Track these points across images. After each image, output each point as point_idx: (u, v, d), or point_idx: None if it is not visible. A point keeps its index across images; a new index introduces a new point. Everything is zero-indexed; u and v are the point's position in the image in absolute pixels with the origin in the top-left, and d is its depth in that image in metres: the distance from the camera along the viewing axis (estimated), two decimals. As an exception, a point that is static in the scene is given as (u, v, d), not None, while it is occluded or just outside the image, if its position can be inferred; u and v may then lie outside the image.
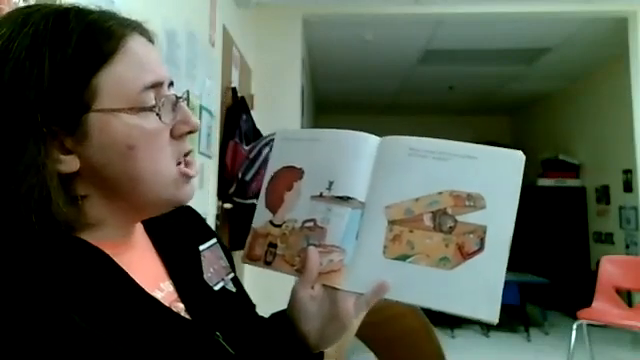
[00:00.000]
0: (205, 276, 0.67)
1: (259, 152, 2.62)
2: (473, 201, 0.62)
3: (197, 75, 2.26)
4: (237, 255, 0.75)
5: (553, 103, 6.66)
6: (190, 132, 0.60)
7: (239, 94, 2.99)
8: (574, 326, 3.37)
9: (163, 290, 0.60)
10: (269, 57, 3.72)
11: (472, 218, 0.62)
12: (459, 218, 0.62)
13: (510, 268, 0.61)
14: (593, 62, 5.21)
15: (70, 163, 0.53)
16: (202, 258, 0.68)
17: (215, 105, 2.60)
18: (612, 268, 3.62)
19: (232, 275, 0.72)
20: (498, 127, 7.80)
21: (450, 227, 0.62)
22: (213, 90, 2.57)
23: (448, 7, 3.76)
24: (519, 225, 0.62)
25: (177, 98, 0.59)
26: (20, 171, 0.51)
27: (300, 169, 0.69)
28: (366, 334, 1.37)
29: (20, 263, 0.49)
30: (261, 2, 3.63)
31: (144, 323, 0.53)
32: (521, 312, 4.72)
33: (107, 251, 0.55)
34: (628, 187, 4.98)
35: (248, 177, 2.59)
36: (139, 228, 0.64)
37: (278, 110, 3.61)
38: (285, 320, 0.67)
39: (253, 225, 0.71)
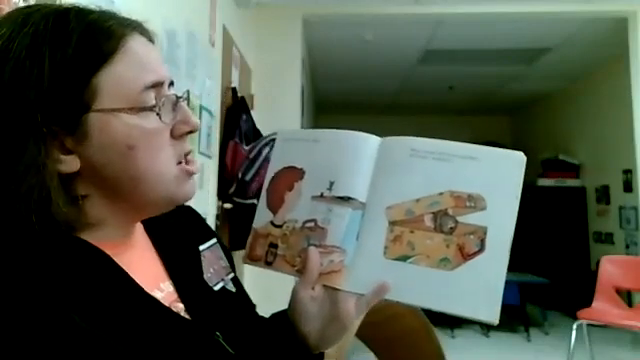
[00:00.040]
0: (205, 276, 0.66)
1: (259, 152, 2.62)
2: (474, 202, 0.62)
3: (197, 75, 2.26)
4: (237, 255, 0.75)
5: (553, 103, 6.66)
6: (190, 132, 0.60)
7: (239, 94, 2.99)
8: (574, 326, 3.37)
9: (163, 290, 0.60)
10: (269, 57, 3.72)
11: (473, 219, 0.61)
12: (460, 219, 0.62)
13: (510, 268, 0.60)
14: (593, 62, 5.21)
15: (70, 163, 0.53)
16: (202, 258, 0.68)
17: (215, 105, 2.60)
18: (612, 268, 3.62)
19: (232, 275, 0.72)
20: (498, 127, 7.80)
21: (451, 228, 0.62)
22: (213, 90, 2.57)
23: (448, 7, 3.76)
24: (519, 225, 0.62)
25: (177, 98, 0.59)
26: (20, 171, 0.51)
27: (301, 169, 0.69)
28: (366, 334, 1.37)
29: (20, 263, 0.49)
30: (261, 2, 3.63)
31: (144, 323, 0.53)
32: (521, 312, 4.72)
33: (107, 251, 0.55)
34: (628, 187, 4.98)
35: (248, 177, 2.59)
36: (139, 228, 0.64)
37: (278, 110, 3.61)
38: (285, 320, 0.67)
39: (254, 225, 0.71)
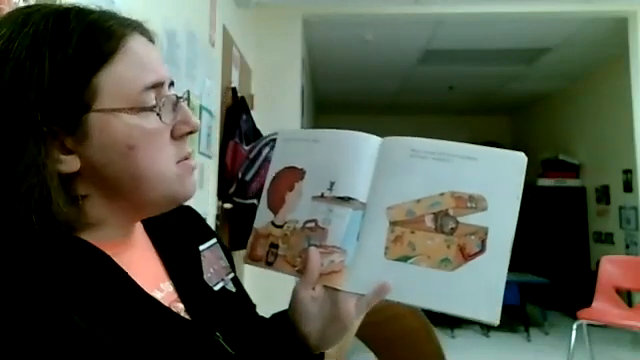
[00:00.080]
0: (205, 276, 0.66)
1: (259, 152, 2.61)
2: (475, 202, 0.62)
3: (197, 75, 2.26)
4: (237, 255, 0.75)
5: (553, 103, 6.66)
6: (190, 132, 0.60)
7: (239, 94, 2.99)
8: (574, 326, 3.37)
9: (163, 290, 0.60)
10: (269, 57, 3.72)
11: (473, 219, 0.61)
12: (460, 219, 0.62)
13: (510, 268, 0.60)
14: (593, 62, 5.21)
15: (70, 163, 0.53)
16: (202, 258, 0.68)
17: (215, 105, 2.60)
18: (612, 268, 3.62)
19: (232, 275, 0.72)
20: (498, 127, 7.80)
21: (451, 228, 0.62)
22: (213, 90, 2.57)
23: (448, 7, 3.76)
24: (519, 225, 0.62)
25: (178, 98, 0.59)
26: (20, 171, 0.51)
27: (301, 170, 0.69)
28: (366, 334, 1.37)
29: (20, 263, 0.49)
30: (261, 2, 3.63)
31: (144, 323, 0.53)
32: (521, 312, 4.72)
33: (107, 251, 0.55)
34: (628, 187, 4.98)
35: (248, 177, 2.59)
36: (139, 228, 0.64)
37: (278, 110, 3.61)
38: (286, 321, 0.67)
39: (255, 225, 0.71)
